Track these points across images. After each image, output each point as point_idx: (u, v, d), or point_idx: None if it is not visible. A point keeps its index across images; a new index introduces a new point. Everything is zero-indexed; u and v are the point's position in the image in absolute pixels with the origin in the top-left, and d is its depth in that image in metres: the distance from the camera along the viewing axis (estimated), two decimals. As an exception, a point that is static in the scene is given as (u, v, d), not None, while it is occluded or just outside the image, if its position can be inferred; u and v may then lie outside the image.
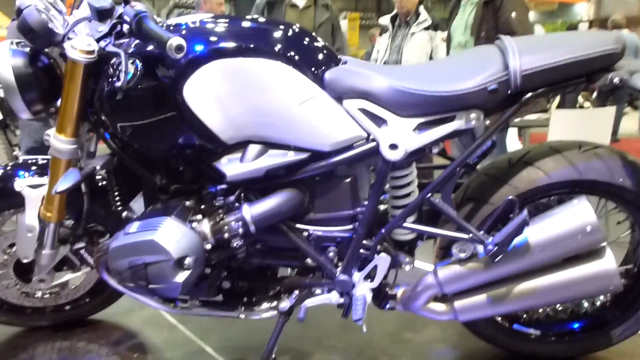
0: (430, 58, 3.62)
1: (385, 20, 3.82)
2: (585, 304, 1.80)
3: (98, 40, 1.43)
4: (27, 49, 1.63)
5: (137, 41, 1.49)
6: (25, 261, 1.84)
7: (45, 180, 1.77)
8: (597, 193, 1.58)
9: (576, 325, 1.76)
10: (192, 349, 1.98)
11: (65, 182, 1.64)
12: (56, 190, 1.63)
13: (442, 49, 3.60)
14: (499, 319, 1.78)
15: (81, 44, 1.51)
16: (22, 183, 1.77)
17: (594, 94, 7.89)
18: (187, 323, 2.15)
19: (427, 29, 3.70)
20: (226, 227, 1.53)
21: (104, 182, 1.88)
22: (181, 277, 1.46)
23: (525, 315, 1.82)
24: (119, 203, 1.75)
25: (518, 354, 1.82)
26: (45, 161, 1.88)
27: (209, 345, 1.99)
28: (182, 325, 2.14)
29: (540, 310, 1.81)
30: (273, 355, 1.69)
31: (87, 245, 1.93)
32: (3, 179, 1.83)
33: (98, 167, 1.66)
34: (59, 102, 1.70)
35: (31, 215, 1.77)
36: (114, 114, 1.56)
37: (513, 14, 2.55)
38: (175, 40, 1.28)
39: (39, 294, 2.05)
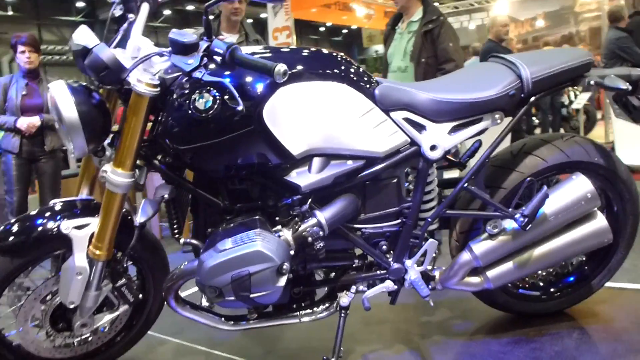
0: None
1: None
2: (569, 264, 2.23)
3: (189, 73, 1.53)
4: (82, 87, 1.65)
5: (215, 69, 1.59)
6: (71, 307, 1.80)
7: (89, 220, 1.77)
8: (578, 171, 2.00)
9: (571, 279, 2.17)
10: (241, 366, 2.06)
11: (145, 214, 1.69)
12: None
13: None
14: (510, 286, 2.14)
15: (147, 77, 1.58)
16: (68, 225, 1.74)
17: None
18: (219, 346, 2.21)
19: None
20: (307, 233, 1.70)
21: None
22: (282, 281, 1.60)
23: (526, 281, 2.20)
24: (176, 230, 1.83)
25: (530, 315, 2.18)
26: (82, 202, 1.88)
27: (255, 360, 2.08)
28: (215, 350, 2.20)
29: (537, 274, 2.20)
30: (342, 348, 1.86)
31: (128, 282, 1.93)
32: (45, 223, 1.78)
33: (166, 196, 1.73)
34: (108, 139, 1.74)
35: (80, 257, 1.75)
36: (185, 141, 1.63)
37: (450, 44, 2.98)
38: (281, 67, 1.45)
39: (75, 342, 1.98)
